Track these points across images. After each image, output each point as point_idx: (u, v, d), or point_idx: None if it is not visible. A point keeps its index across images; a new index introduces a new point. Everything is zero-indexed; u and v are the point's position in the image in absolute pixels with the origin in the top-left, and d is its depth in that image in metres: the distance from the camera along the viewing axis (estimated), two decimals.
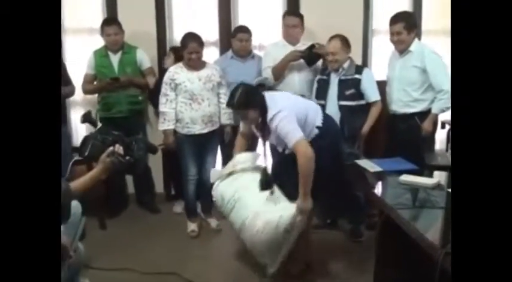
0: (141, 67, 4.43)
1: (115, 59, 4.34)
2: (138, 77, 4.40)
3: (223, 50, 4.71)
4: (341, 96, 3.85)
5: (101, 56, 4.33)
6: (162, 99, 3.87)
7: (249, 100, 3.03)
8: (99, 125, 2.49)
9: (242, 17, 4.80)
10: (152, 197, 4.80)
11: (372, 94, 3.86)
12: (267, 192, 3.08)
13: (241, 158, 3.32)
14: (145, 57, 4.45)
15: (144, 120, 4.69)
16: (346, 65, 3.85)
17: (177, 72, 3.85)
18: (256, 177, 3.18)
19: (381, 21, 4.54)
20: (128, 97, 4.35)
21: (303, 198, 2.90)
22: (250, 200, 3.10)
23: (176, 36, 4.75)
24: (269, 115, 2.97)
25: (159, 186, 4.93)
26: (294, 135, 2.89)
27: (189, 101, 3.84)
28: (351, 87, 3.80)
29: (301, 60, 4.07)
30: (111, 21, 4.33)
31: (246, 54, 4.30)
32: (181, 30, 4.28)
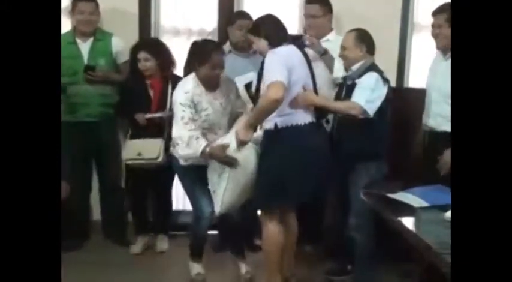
0: (117, 60, 3.96)
1: (85, 47, 3.88)
2: (112, 72, 3.94)
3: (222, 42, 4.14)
4: None
5: (66, 42, 3.77)
6: (187, 126, 3.16)
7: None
8: None
9: (248, 1, 4.31)
10: (123, 225, 4.22)
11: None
12: None
13: None
14: (123, 47, 3.94)
15: (117, 127, 4.13)
16: (356, 66, 3.26)
17: (197, 93, 3.21)
18: None
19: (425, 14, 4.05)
20: (100, 97, 3.88)
21: (244, 127, 3.00)
22: None
23: (164, 20, 4.28)
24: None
25: None
26: (274, 76, 2.84)
27: (204, 131, 3.27)
28: (350, 95, 3.19)
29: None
30: None
31: (248, 47, 3.76)
32: (171, 13, 4.00)
